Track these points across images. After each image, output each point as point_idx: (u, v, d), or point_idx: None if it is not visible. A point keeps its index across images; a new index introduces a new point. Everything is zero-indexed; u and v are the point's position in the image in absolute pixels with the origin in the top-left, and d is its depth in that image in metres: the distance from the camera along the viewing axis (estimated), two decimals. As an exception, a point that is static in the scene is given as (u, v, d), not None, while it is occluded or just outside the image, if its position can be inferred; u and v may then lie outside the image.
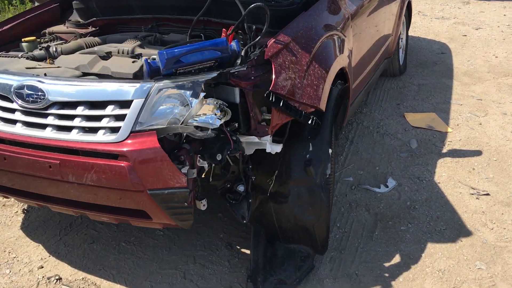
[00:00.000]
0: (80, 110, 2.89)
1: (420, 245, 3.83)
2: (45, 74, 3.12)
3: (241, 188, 3.23)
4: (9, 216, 4.24)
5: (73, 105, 2.91)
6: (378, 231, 4.05)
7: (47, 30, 4.33)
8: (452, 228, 4.08)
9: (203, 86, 2.80)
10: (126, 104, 2.83)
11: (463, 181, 4.80)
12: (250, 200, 3.23)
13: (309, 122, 3.21)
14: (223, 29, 3.48)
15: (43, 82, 2.94)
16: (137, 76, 3.28)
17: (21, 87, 2.96)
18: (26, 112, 2.93)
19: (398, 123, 6.09)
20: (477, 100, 6.60)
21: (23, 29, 4.24)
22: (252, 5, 3.20)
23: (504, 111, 6.29)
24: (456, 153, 5.32)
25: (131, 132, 2.73)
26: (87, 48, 4.09)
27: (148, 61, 2.86)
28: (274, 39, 3.20)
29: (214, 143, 2.89)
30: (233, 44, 3.00)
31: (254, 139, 3.13)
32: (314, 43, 3.41)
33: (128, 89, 2.82)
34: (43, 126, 2.88)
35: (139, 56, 3.56)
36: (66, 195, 3.01)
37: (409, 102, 6.70)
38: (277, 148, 3.23)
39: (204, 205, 3.05)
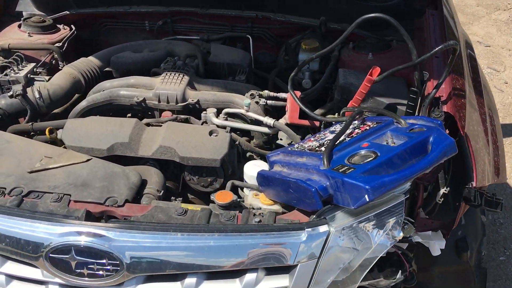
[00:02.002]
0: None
1: None
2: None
3: None
4: None
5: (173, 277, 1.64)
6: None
7: (-1, 46, 2.69)
8: None
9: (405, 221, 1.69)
10: (280, 270, 1.63)
11: None
12: None
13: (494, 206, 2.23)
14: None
15: (111, 239, 1.58)
16: (225, 162, 2.03)
17: (65, 250, 1.60)
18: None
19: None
20: (486, 48, 5.98)
21: None
22: None
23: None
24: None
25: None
26: (85, 81, 2.58)
27: (316, 189, 1.60)
28: (450, 87, 2.05)
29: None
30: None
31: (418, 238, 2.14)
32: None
33: (286, 247, 1.59)
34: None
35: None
36: None
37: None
38: (442, 244, 2.26)
39: None
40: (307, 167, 1.70)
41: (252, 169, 2.07)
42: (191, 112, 2.37)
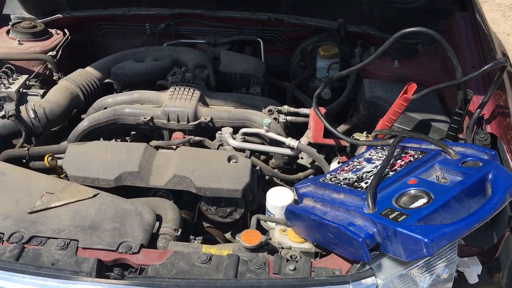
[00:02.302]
0: None
1: None
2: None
3: None
4: None
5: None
6: None
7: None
8: None
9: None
10: None
11: None
12: None
13: None
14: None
15: None
16: (246, 191, 1.83)
17: None
18: None
19: None
20: (494, 36, 5.80)
21: None
22: None
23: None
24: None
25: None
26: (84, 95, 2.35)
27: (364, 239, 1.40)
28: (493, 105, 1.87)
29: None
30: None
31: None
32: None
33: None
34: None
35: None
36: None
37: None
38: (478, 270, 2.11)
39: None
40: (347, 208, 1.50)
41: (277, 198, 1.88)
42: (204, 131, 2.16)
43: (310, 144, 2.10)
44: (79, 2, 2.73)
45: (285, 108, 2.18)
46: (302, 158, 2.21)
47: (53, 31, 2.73)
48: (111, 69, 2.46)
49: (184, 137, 2.07)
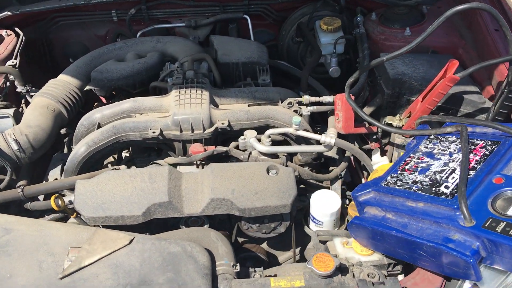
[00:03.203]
0: None
1: None
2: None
3: None
4: None
5: None
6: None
7: None
8: None
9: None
10: None
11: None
12: None
13: None
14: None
15: None
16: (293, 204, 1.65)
17: None
18: None
19: None
20: None
21: None
22: None
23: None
24: None
25: None
26: (68, 110, 2.00)
27: (475, 260, 1.26)
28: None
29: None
30: None
31: None
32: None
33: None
34: None
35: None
36: None
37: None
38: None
39: None
40: (435, 220, 1.36)
41: (325, 205, 1.72)
42: (219, 136, 1.91)
43: (339, 135, 1.92)
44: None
45: (306, 98, 1.97)
46: (327, 149, 2.04)
47: (2, 32, 2.29)
48: (91, 74, 2.10)
49: (204, 149, 1.81)
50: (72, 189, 1.73)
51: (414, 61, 2.06)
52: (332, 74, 2.26)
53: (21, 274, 1.40)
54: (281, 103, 2.00)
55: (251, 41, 2.30)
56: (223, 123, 1.87)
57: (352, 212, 1.77)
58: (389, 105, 2.05)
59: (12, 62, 2.13)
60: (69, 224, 1.60)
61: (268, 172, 1.69)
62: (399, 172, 1.59)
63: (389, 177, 1.58)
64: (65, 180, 1.75)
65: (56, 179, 1.83)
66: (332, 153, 2.05)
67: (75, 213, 1.68)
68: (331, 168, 2.00)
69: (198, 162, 1.80)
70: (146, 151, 2.03)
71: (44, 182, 1.81)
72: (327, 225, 1.75)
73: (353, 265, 1.54)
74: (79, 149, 1.82)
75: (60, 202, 1.66)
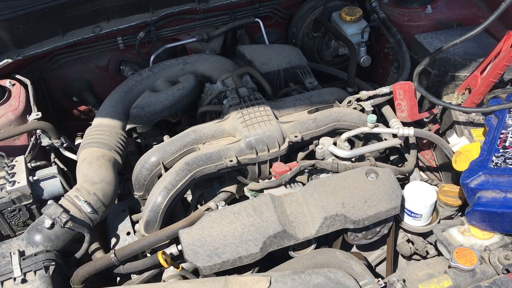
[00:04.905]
0: None
1: None
2: None
3: None
4: None
5: None
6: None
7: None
8: None
9: None
10: None
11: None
12: None
13: None
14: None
15: None
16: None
17: None
18: None
19: None
20: None
21: None
22: None
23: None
24: None
25: None
26: (121, 156, 1.84)
27: None
28: None
29: None
30: None
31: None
32: None
33: None
34: None
35: None
36: None
37: None
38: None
39: None
40: None
41: (422, 197, 1.70)
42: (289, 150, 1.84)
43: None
44: (29, 36, 2.03)
45: (364, 94, 1.94)
46: (385, 139, 2.02)
47: (4, 83, 2.03)
48: (131, 112, 1.92)
49: (289, 168, 1.73)
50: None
51: (449, 37, 2.09)
52: (364, 64, 2.24)
53: None
54: (337, 103, 1.95)
55: (282, 45, 2.21)
56: (296, 136, 1.79)
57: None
58: (434, 84, 2.07)
59: (37, 115, 1.89)
60: (193, 281, 1.47)
61: (367, 176, 1.65)
62: (501, 150, 1.61)
63: (493, 157, 1.60)
64: (159, 233, 1.59)
65: (144, 235, 1.67)
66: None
67: (180, 266, 1.54)
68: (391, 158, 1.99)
69: (286, 183, 1.72)
70: (208, 181, 1.90)
71: (133, 241, 1.64)
72: (426, 217, 1.75)
73: (484, 250, 1.55)
74: (157, 197, 1.67)
75: (166, 257, 1.51)
